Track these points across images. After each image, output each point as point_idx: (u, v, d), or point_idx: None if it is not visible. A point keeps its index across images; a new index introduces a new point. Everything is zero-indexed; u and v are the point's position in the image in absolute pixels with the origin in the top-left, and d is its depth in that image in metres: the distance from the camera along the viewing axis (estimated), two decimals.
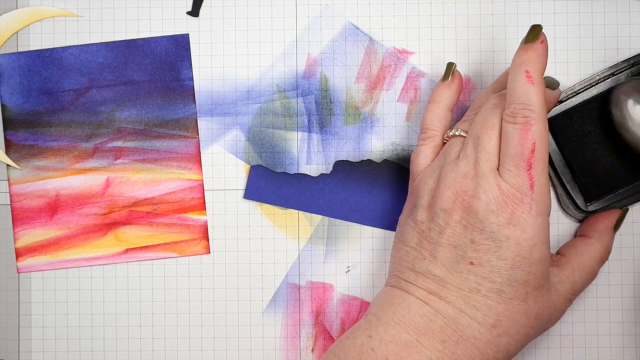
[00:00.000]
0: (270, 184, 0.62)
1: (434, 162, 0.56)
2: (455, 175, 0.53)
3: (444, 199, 0.53)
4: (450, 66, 0.59)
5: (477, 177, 0.53)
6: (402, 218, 0.57)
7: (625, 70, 0.60)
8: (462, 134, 0.56)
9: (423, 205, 0.54)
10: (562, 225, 0.61)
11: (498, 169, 0.53)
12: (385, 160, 0.61)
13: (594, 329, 0.61)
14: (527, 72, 0.53)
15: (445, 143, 0.57)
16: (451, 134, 0.56)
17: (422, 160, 0.57)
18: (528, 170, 0.52)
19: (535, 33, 0.54)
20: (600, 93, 0.60)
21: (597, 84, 0.60)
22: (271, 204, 0.62)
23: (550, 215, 0.55)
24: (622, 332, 0.61)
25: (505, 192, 0.52)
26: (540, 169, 0.53)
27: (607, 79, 0.60)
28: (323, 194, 0.61)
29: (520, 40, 0.61)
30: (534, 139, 0.52)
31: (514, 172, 0.52)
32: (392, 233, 0.61)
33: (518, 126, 0.53)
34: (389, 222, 0.61)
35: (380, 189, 0.61)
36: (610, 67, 0.60)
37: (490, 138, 0.53)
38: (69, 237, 0.61)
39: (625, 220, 0.61)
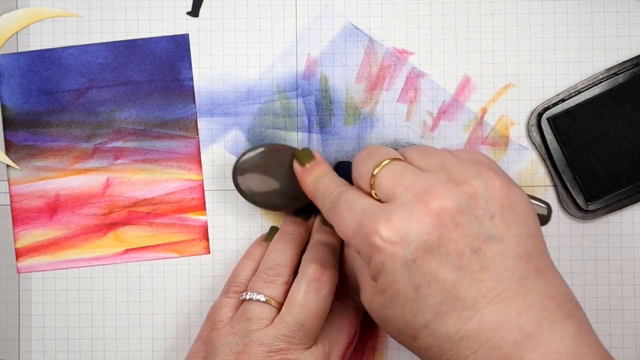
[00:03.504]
0: None
1: (235, 321, 0.55)
2: (267, 350, 0.53)
3: None
4: (273, 230, 0.60)
5: (290, 356, 0.54)
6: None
7: (628, 69, 0.60)
8: (261, 298, 0.55)
9: None
10: (562, 224, 0.61)
11: (317, 342, 0.55)
12: None
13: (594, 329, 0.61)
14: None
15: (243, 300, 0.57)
16: (250, 297, 0.55)
17: (226, 313, 0.56)
18: (346, 348, 0.56)
19: None
20: (603, 92, 0.60)
21: (600, 82, 0.60)
22: None
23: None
24: (622, 332, 0.61)
25: None
26: (351, 351, 0.57)
27: (610, 78, 0.60)
28: None
29: (519, 40, 0.61)
30: (359, 325, 0.58)
31: (332, 347, 0.55)
32: None
33: (350, 308, 0.57)
34: None
35: None
36: (614, 67, 0.60)
37: (318, 325, 0.54)
38: (69, 238, 0.61)
39: (625, 220, 0.61)
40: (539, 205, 0.53)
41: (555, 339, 0.45)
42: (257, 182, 0.58)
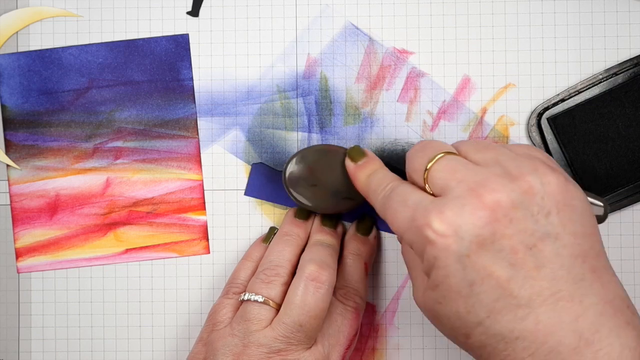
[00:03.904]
0: (271, 182, 0.62)
1: (235, 323, 0.55)
2: (266, 351, 0.53)
3: None
4: (272, 231, 0.61)
5: (290, 356, 0.54)
6: None
7: (628, 69, 0.60)
8: (259, 299, 0.55)
9: None
10: None
11: (316, 343, 0.55)
12: (386, 163, 0.61)
13: None
14: (366, 264, 0.59)
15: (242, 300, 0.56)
16: (249, 298, 0.55)
17: (225, 314, 0.56)
18: (346, 349, 0.56)
19: (369, 226, 0.60)
20: (603, 92, 0.60)
21: (599, 82, 0.60)
22: (271, 202, 0.62)
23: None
24: None
25: None
26: (351, 352, 0.57)
27: (610, 78, 0.60)
28: None
29: (519, 40, 0.61)
30: (360, 324, 0.57)
31: (332, 348, 0.55)
32: (392, 235, 0.61)
33: (350, 308, 0.57)
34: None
35: None
36: (614, 67, 0.60)
37: (317, 325, 0.54)
38: (69, 237, 0.61)
39: (625, 220, 0.61)
40: (596, 204, 0.52)
41: (615, 348, 0.44)
42: (310, 187, 0.58)
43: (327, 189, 0.58)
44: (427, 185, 0.48)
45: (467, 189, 0.46)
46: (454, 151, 0.49)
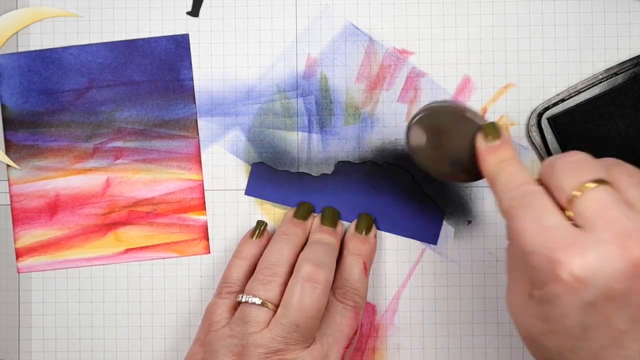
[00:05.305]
0: (272, 181, 0.62)
1: (234, 324, 0.55)
2: (264, 352, 0.53)
3: None
4: (261, 225, 0.60)
5: (289, 356, 0.54)
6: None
7: (628, 69, 0.60)
8: (256, 301, 0.55)
9: None
10: None
11: (315, 342, 0.55)
12: (386, 163, 0.61)
13: None
14: (365, 264, 0.59)
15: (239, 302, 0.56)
16: (246, 300, 0.55)
17: (221, 314, 0.56)
18: (345, 348, 0.56)
19: (369, 224, 0.60)
20: (603, 92, 0.60)
21: (599, 82, 0.60)
22: (272, 201, 0.62)
23: None
24: None
25: None
26: (351, 351, 0.57)
27: (610, 78, 0.60)
28: (324, 194, 0.61)
29: (519, 40, 0.61)
30: (359, 324, 0.58)
31: (331, 347, 0.56)
32: (392, 235, 0.61)
33: (349, 308, 0.57)
34: (389, 224, 0.61)
35: (381, 191, 0.61)
36: (614, 67, 0.60)
37: (313, 325, 0.54)
38: (69, 237, 0.62)
39: None
40: None
41: None
42: (431, 149, 0.54)
43: (447, 156, 0.53)
44: (570, 211, 0.45)
45: (614, 236, 0.43)
46: (607, 178, 0.45)
